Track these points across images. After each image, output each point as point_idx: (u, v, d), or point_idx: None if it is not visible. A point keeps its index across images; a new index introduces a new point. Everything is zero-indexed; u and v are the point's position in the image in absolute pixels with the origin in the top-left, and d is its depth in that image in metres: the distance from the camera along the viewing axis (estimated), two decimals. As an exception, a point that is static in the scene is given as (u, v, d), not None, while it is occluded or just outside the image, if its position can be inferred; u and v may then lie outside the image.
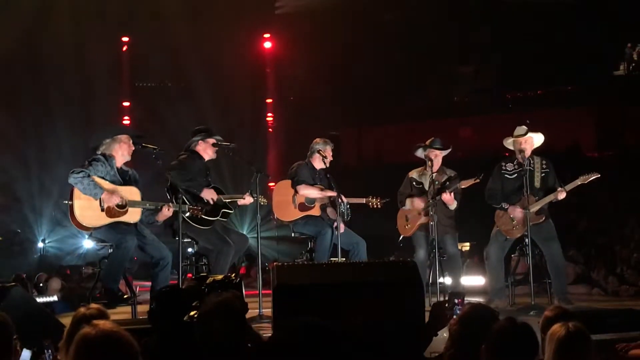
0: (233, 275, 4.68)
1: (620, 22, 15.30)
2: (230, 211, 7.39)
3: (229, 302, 3.33)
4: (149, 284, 7.08)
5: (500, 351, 3.06)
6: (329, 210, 7.79)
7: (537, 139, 7.66)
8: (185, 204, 6.93)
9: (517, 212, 7.45)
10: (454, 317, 3.73)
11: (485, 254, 7.86)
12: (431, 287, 7.69)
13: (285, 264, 4.87)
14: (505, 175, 7.69)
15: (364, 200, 7.90)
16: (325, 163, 7.78)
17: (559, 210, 8.18)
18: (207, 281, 4.38)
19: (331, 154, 7.93)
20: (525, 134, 7.58)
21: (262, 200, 7.52)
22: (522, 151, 7.51)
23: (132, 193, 6.71)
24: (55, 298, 8.34)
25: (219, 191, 7.35)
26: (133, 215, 6.69)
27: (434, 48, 16.31)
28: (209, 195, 7.14)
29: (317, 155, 7.84)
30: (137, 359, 2.53)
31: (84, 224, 6.52)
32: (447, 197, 7.69)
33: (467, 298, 4.43)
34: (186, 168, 7.07)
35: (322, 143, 7.91)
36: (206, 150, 7.36)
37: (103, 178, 6.57)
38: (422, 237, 7.90)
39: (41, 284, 9.05)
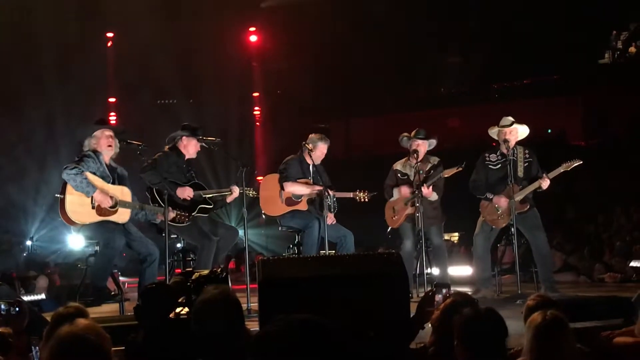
0: (219, 269, 4.69)
1: (605, 10, 15.36)
2: (209, 206, 7.37)
3: (228, 292, 3.35)
4: (137, 280, 7.10)
5: (469, 340, 3.08)
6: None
7: (522, 131, 7.70)
8: (157, 203, 6.96)
9: (502, 202, 7.50)
10: (436, 310, 3.75)
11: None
12: (418, 278, 7.73)
13: (271, 257, 4.88)
14: (489, 166, 7.72)
15: (351, 194, 7.91)
16: (312, 158, 7.78)
17: (545, 199, 8.23)
18: (193, 277, 4.40)
19: (325, 151, 7.92)
20: (511, 124, 7.62)
21: (252, 193, 7.53)
22: (506, 141, 7.55)
23: (123, 193, 6.73)
24: (42, 296, 8.32)
25: (200, 187, 7.36)
26: (122, 216, 6.69)
27: (420, 40, 16.33)
28: (183, 194, 7.14)
29: (315, 150, 7.81)
30: (107, 358, 2.58)
31: (73, 220, 6.53)
32: (426, 191, 7.70)
33: (453, 288, 4.46)
34: (159, 167, 7.03)
35: (318, 140, 7.86)
36: (187, 148, 7.34)
37: (94, 174, 6.58)
38: (408, 228, 7.92)
39: (28, 282, 9.04)
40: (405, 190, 7.96)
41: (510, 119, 7.69)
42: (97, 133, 6.76)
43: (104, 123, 6.98)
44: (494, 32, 16.46)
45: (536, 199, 7.71)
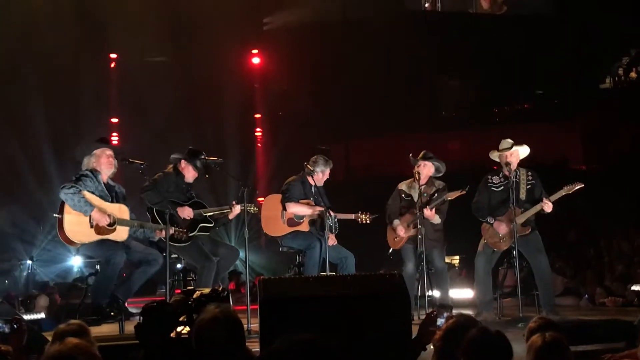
0: (220, 288, 4.68)
1: (606, 35, 15.45)
2: (209, 225, 7.43)
3: (229, 311, 3.34)
4: (140, 300, 7.10)
5: (474, 359, 3.07)
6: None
7: (522, 151, 7.69)
8: (157, 223, 7.00)
9: (501, 228, 7.49)
10: (438, 330, 3.73)
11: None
12: (420, 300, 7.71)
13: (272, 277, 4.88)
14: (492, 188, 7.72)
15: (352, 216, 7.90)
16: (314, 182, 7.78)
17: (547, 223, 8.22)
18: (194, 295, 4.39)
19: (327, 174, 7.92)
20: (511, 147, 7.63)
21: (253, 209, 7.54)
22: (508, 164, 7.55)
23: (121, 211, 6.75)
24: (42, 315, 8.30)
25: (200, 205, 7.41)
26: (121, 234, 6.71)
27: (420, 62, 16.41)
28: (183, 213, 7.19)
29: (321, 174, 7.83)
30: None
31: (72, 239, 6.54)
32: (429, 213, 7.71)
33: (455, 311, 4.45)
34: (158, 188, 7.08)
35: (321, 163, 7.88)
36: (184, 171, 7.46)
37: (92, 193, 6.60)
38: (410, 250, 7.90)
39: (28, 301, 9.02)
40: (401, 231, 7.94)
41: (510, 141, 7.69)
42: (98, 152, 6.80)
43: (105, 142, 7.01)
44: (494, 55, 16.54)
45: (538, 223, 7.70)
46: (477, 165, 12.49)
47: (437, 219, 7.85)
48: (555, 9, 16.90)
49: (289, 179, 7.99)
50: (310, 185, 7.85)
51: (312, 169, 7.76)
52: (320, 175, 7.83)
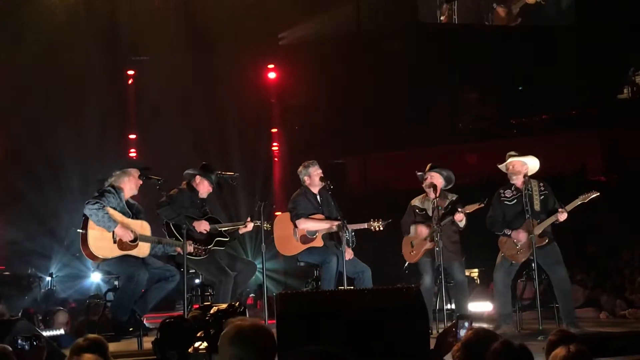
0: (237, 304, 4.68)
1: (623, 45, 15.40)
2: (225, 239, 7.51)
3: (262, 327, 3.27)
4: (158, 315, 7.12)
5: None
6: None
7: (531, 164, 7.67)
8: (174, 238, 7.06)
9: (520, 236, 7.45)
10: (457, 343, 3.70)
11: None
12: (438, 314, 7.66)
13: (289, 292, 4.87)
14: (505, 202, 7.70)
15: (365, 225, 7.84)
16: (324, 183, 7.72)
17: (567, 234, 8.15)
18: (211, 311, 4.39)
19: (320, 172, 7.86)
20: (508, 159, 7.64)
21: (266, 226, 7.56)
22: (512, 176, 7.57)
23: (143, 227, 6.85)
24: (61, 331, 8.33)
25: (215, 221, 7.49)
26: (143, 250, 6.79)
27: (437, 75, 16.40)
28: (199, 227, 7.26)
29: (308, 179, 7.82)
30: None
31: (96, 254, 6.62)
32: (460, 216, 7.65)
33: (474, 324, 4.42)
34: (174, 203, 7.14)
35: (305, 167, 7.86)
36: (199, 187, 7.55)
37: (114, 209, 6.68)
38: (427, 263, 7.86)
39: (48, 318, 9.05)
40: (422, 230, 7.90)
41: (511, 153, 7.71)
42: (133, 172, 6.94)
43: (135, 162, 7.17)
44: (511, 67, 16.50)
45: (557, 235, 7.65)
46: (495, 177, 12.42)
47: (464, 221, 7.77)
48: (571, 19, 16.87)
49: (292, 195, 7.96)
50: (314, 194, 7.85)
51: (301, 178, 7.81)
52: (313, 179, 7.79)
